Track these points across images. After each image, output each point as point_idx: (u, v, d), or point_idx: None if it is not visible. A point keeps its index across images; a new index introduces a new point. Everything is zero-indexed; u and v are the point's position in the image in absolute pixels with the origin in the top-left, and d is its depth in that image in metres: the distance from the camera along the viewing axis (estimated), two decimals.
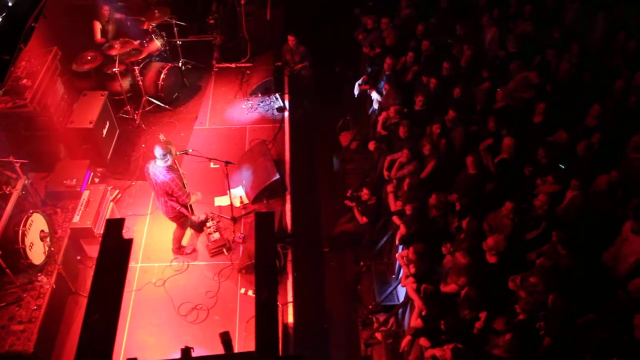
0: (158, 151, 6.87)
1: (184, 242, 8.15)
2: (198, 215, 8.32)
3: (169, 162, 6.97)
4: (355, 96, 10.16)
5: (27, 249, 6.86)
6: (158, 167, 6.99)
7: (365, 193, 8.10)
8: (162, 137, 7.63)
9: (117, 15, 10.06)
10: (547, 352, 5.48)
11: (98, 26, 9.70)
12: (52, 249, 7.30)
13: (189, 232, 8.18)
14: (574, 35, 8.79)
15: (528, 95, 8.11)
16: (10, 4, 4.71)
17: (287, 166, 9.49)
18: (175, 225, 7.81)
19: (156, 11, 10.19)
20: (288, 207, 8.83)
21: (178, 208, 7.33)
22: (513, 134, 7.37)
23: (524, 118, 7.83)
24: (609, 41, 8.69)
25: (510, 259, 6.33)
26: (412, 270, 6.78)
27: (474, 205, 6.91)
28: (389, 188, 7.99)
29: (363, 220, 8.16)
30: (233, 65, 11.57)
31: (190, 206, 7.57)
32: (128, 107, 10.06)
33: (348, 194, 8.66)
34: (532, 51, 8.77)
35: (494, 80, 8.40)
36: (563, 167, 7.01)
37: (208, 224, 8.38)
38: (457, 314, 6.09)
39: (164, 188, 7.06)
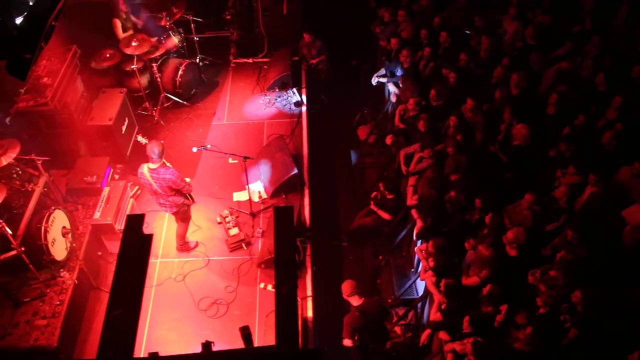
0: (155, 150, 6.97)
1: (187, 236, 8.19)
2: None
3: (162, 161, 7.11)
4: (372, 89, 10.12)
5: (50, 245, 6.96)
6: (155, 167, 7.07)
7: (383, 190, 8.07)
8: (143, 139, 7.59)
9: (135, 15, 10.12)
10: (572, 343, 5.43)
11: (118, 23, 9.76)
12: (74, 245, 7.41)
13: (191, 228, 8.22)
14: (594, 24, 8.64)
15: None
16: (31, 4, 4.75)
17: (305, 161, 9.49)
18: (177, 224, 7.89)
19: (173, 8, 10.23)
20: (306, 201, 8.83)
21: (181, 201, 7.42)
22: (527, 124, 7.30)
23: (539, 109, 7.75)
24: (631, 29, 8.52)
25: (531, 252, 6.28)
26: (432, 263, 6.75)
27: (494, 200, 6.85)
28: (410, 181, 7.95)
29: (387, 217, 8.13)
30: (250, 61, 11.59)
31: (190, 195, 7.66)
32: (147, 103, 10.13)
33: (372, 196, 8.53)
34: (551, 43, 8.64)
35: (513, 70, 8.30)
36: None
37: (227, 219, 8.42)
38: (479, 309, 6.05)
39: (169, 184, 7.13)
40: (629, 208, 6.20)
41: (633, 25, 8.46)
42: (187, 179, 7.66)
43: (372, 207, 8.26)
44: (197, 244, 8.29)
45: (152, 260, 8.01)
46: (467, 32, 9.29)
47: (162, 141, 7.41)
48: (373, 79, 10.01)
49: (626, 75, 7.72)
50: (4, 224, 6.41)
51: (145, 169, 7.13)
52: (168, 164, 7.29)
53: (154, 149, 6.99)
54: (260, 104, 10.63)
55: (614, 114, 7.25)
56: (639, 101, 7.35)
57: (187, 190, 7.38)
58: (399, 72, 9.34)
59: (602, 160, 6.81)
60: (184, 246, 8.16)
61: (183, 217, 7.74)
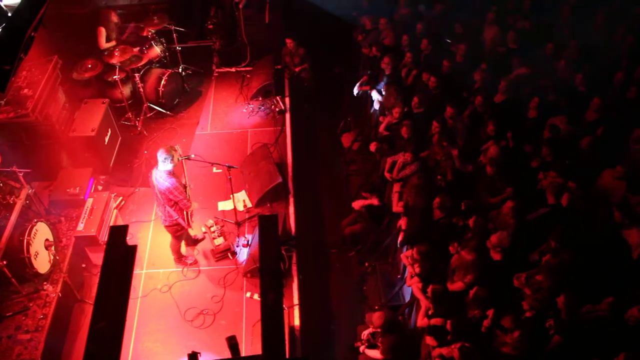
0: (161, 155, 6.82)
1: (183, 251, 8.11)
2: (196, 234, 8.34)
3: (169, 167, 6.90)
4: (356, 97, 10.17)
5: (32, 258, 6.88)
6: (159, 173, 6.92)
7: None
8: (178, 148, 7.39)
9: (122, 27, 10.15)
10: (555, 349, 5.46)
11: (103, 32, 9.73)
12: (57, 257, 7.32)
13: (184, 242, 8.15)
14: (573, 30, 8.77)
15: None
16: (9, 14, 4.72)
17: (290, 169, 9.48)
18: (170, 237, 7.76)
19: (155, 18, 10.21)
20: (291, 209, 8.82)
21: (176, 218, 7.24)
22: (510, 135, 7.38)
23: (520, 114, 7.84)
24: (609, 35, 8.66)
25: (515, 256, 6.32)
26: (417, 270, 6.77)
27: (479, 206, 6.90)
28: (395, 188, 7.98)
29: (377, 202, 8.09)
30: (233, 70, 11.58)
31: (188, 217, 7.51)
32: (129, 114, 10.08)
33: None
34: (532, 47, 8.75)
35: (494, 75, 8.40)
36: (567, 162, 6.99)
37: (212, 229, 8.38)
38: (464, 314, 6.08)
39: (166, 194, 6.96)
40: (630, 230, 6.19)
41: (611, 30, 8.62)
42: (195, 204, 7.54)
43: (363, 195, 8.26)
44: (195, 262, 8.14)
45: (137, 271, 7.94)
46: (448, 40, 9.39)
47: (174, 146, 7.05)
48: (355, 88, 10.04)
49: (606, 79, 7.84)
50: None
51: (154, 171, 7.02)
52: (177, 173, 7.12)
53: (159, 154, 6.85)
54: (243, 113, 10.61)
55: (593, 116, 7.34)
56: (619, 104, 7.47)
57: (184, 205, 7.12)
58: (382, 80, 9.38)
59: (582, 163, 6.90)
60: (181, 260, 8.07)
61: (174, 234, 7.60)
